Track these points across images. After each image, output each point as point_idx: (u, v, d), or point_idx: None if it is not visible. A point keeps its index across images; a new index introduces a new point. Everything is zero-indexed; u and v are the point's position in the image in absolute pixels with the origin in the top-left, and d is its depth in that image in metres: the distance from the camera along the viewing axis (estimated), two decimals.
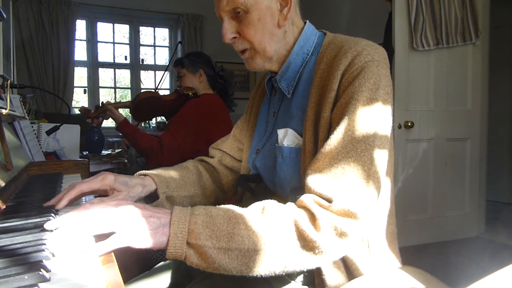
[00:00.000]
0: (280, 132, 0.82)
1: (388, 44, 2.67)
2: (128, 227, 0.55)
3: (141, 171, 0.89)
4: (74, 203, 0.75)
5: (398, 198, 2.61)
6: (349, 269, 0.74)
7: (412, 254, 2.47)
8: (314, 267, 0.63)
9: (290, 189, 0.81)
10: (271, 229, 0.60)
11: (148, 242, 0.57)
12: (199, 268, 0.60)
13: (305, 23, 0.86)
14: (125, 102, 2.06)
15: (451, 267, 2.30)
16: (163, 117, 2.71)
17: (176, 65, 2.10)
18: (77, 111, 4.38)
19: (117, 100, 5.15)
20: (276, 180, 0.83)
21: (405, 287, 0.70)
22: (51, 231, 0.54)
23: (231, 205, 0.65)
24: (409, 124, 2.65)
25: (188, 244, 0.58)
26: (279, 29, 0.80)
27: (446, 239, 2.81)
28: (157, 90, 2.09)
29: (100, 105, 1.94)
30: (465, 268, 2.24)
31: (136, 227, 0.56)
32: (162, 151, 1.83)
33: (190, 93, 1.98)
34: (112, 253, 0.53)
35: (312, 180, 0.65)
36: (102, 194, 0.80)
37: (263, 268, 0.60)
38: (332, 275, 0.73)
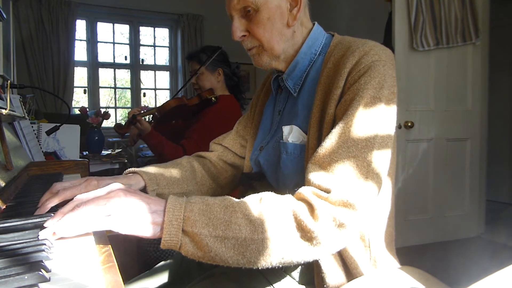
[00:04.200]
0: (286, 129, 0.83)
1: (388, 44, 2.66)
2: (117, 213, 0.55)
3: (130, 169, 0.88)
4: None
5: (398, 198, 2.61)
6: (348, 269, 0.74)
7: (412, 254, 2.47)
8: (311, 259, 0.63)
9: (293, 185, 0.81)
10: (269, 219, 0.60)
11: (136, 229, 0.56)
12: (194, 258, 0.59)
13: (313, 24, 0.87)
14: (151, 110, 1.99)
15: (451, 267, 2.30)
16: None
17: (192, 60, 1.99)
18: (77, 111, 4.38)
19: (117, 100, 5.15)
20: (280, 176, 0.84)
21: (405, 287, 0.70)
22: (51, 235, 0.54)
23: (227, 196, 0.65)
24: (409, 124, 2.65)
25: (184, 232, 0.57)
26: (288, 29, 0.81)
27: (446, 239, 2.81)
28: (182, 97, 2.01)
29: (131, 117, 1.87)
30: (465, 268, 2.24)
31: (125, 212, 0.55)
32: None
33: (212, 98, 1.92)
34: (112, 253, 0.53)
35: (312, 173, 0.66)
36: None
37: (260, 258, 0.59)
38: (332, 274, 0.73)
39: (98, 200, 0.56)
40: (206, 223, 0.58)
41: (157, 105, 2.01)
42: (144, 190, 0.85)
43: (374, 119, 0.67)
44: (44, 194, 0.73)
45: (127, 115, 1.95)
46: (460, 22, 2.70)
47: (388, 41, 2.72)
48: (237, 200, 0.63)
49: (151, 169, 0.89)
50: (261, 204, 0.62)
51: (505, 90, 3.78)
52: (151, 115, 2.00)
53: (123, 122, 1.99)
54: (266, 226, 0.59)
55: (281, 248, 0.59)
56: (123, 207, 0.55)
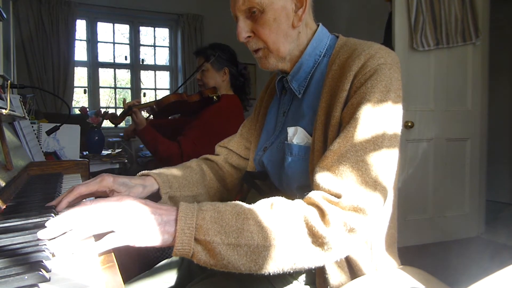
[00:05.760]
0: (290, 130, 0.83)
1: (388, 44, 2.66)
2: (128, 225, 0.54)
3: (143, 171, 0.88)
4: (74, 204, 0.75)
5: (398, 198, 2.60)
6: (352, 269, 0.74)
7: (412, 254, 2.47)
8: (322, 264, 0.63)
9: (296, 186, 0.81)
10: (281, 225, 0.59)
11: (149, 241, 0.55)
12: (206, 266, 0.59)
13: (318, 25, 0.87)
14: (149, 102, 1.95)
15: (451, 267, 2.30)
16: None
17: (199, 55, 1.97)
18: (77, 111, 4.38)
19: (117, 100, 5.15)
20: (283, 177, 0.84)
21: (405, 287, 0.70)
22: (51, 231, 0.53)
23: (238, 201, 0.65)
24: (409, 124, 2.65)
25: (196, 240, 0.57)
26: (293, 30, 0.81)
27: (446, 239, 2.81)
28: (183, 93, 1.98)
29: (127, 108, 1.83)
30: (465, 268, 2.24)
31: (136, 225, 0.54)
32: (182, 159, 1.75)
33: (214, 97, 1.89)
34: (112, 253, 0.53)
35: (321, 177, 0.66)
36: (101, 196, 0.80)
37: (272, 264, 0.59)
38: (335, 275, 0.73)
39: (109, 199, 0.56)
40: (218, 231, 0.57)
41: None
42: (157, 192, 0.85)
43: (382, 123, 0.67)
44: (61, 195, 0.73)
45: (122, 104, 1.91)
46: (460, 22, 2.70)
47: (388, 41, 2.72)
48: (248, 206, 0.62)
49: (163, 171, 0.89)
50: (272, 210, 0.62)
51: (505, 90, 3.78)
52: (149, 108, 1.97)
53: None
54: (278, 233, 0.59)
55: (293, 254, 0.59)
56: (134, 220, 0.54)
